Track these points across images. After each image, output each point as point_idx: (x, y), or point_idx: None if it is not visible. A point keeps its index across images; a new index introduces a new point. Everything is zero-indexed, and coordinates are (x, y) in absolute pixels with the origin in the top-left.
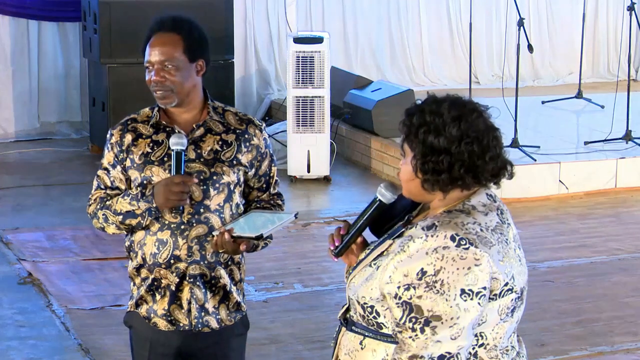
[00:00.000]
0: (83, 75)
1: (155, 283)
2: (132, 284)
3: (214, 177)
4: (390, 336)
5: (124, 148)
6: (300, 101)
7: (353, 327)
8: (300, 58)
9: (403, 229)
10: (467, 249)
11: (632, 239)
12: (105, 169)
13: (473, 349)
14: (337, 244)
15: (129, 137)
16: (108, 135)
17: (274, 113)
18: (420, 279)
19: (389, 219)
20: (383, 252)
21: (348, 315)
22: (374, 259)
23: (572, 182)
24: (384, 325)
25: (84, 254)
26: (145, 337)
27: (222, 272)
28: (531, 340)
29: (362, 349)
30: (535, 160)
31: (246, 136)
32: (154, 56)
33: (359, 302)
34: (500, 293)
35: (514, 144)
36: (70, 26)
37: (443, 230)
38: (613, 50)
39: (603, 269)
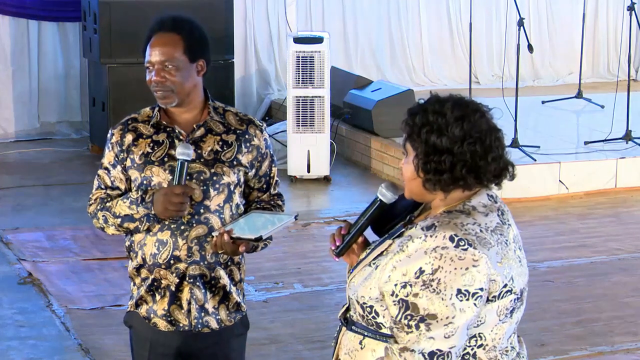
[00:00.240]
0: (83, 75)
1: (155, 283)
2: (132, 284)
3: (214, 178)
4: (390, 336)
5: (124, 148)
6: (300, 101)
7: (353, 327)
8: (300, 58)
9: (403, 229)
10: (465, 249)
11: (632, 239)
12: (106, 168)
13: (472, 349)
14: (338, 244)
15: (129, 137)
16: (109, 135)
17: (274, 113)
18: (417, 278)
19: (390, 219)
20: (383, 251)
21: (348, 315)
22: (374, 259)
23: (572, 182)
24: (383, 325)
25: (84, 254)
26: (145, 337)
27: (222, 273)
28: (531, 340)
29: (361, 348)
30: (535, 160)
31: (247, 137)
32: (155, 56)
33: (358, 302)
34: (499, 295)
35: (514, 144)
36: (70, 26)
37: (442, 230)
38: (613, 50)
39: (603, 269)
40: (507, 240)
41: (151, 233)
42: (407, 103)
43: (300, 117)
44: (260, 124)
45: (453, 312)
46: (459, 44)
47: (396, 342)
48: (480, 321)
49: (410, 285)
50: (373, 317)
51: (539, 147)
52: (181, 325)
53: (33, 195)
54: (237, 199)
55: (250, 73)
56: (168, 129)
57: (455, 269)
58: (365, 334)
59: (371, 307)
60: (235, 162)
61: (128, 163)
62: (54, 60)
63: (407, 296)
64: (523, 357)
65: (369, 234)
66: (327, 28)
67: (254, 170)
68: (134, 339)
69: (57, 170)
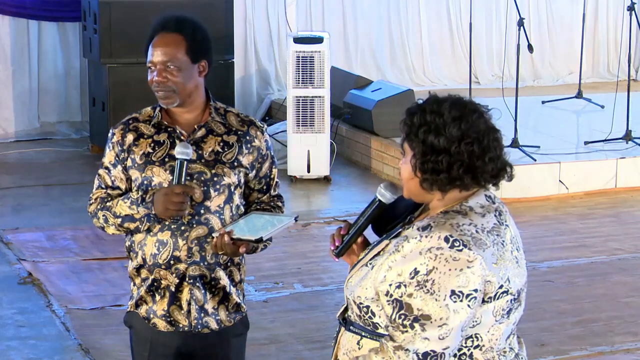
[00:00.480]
0: (83, 75)
1: (155, 284)
2: (132, 284)
3: (215, 179)
4: (387, 336)
5: (125, 148)
6: (300, 101)
7: (351, 327)
8: (300, 58)
9: (400, 229)
10: (460, 250)
11: (632, 239)
12: (107, 168)
13: (468, 350)
14: (337, 244)
15: (130, 137)
16: (109, 135)
17: (274, 113)
18: (412, 278)
19: (391, 219)
20: (380, 252)
21: (346, 315)
22: (371, 259)
23: (572, 182)
24: (380, 325)
25: (84, 254)
26: (145, 338)
27: (222, 274)
28: (531, 340)
29: (359, 348)
30: (535, 160)
31: (247, 138)
32: (157, 56)
33: (355, 302)
34: (495, 296)
35: (514, 144)
36: (70, 26)
37: (438, 231)
38: (613, 50)
39: (603, 269)
40: (503, 241)
41: (151, 233)
42: (407, 103)
43: (300, 117)
44: (261, 125)
45: (447, 313)
46: (459, 44)
47: (392, 339)
48: (476, 322)
49: (405, 286)
50: (370, 318)
51: (539, 147)
52: (181, 325)
53: (33, 195)
54: (237, 200)
55: (250, 73)
56: (169, 129)
57: (450, 270)
58: (363, 334)
59: (367, 307)
60: (236, 163)
61: (129, 163)
62: (54, 60)
63: (401, 296)
64: (522, 358)
65: (370, 234)
66: (327, 28)
67: (254, 172)
68: (134, 339)
69: (57, 170)
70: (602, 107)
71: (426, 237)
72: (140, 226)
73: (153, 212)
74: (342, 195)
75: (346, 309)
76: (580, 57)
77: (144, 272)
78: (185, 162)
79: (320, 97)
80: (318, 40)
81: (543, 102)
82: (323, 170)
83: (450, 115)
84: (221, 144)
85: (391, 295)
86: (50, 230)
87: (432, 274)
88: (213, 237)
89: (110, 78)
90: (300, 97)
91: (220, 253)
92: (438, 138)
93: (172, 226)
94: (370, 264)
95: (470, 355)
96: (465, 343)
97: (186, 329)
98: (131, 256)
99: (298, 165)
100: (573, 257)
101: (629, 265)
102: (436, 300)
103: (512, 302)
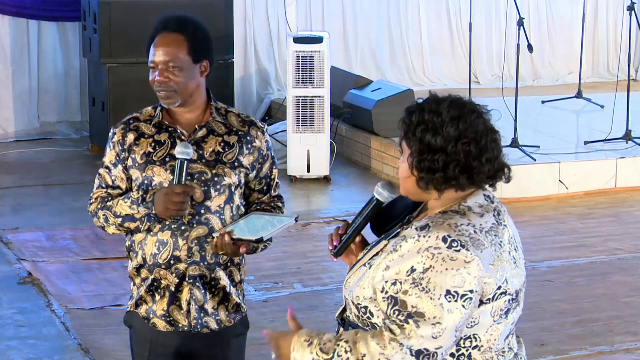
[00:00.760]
0: (83, 75)
1: (155, 284)
2: (132, 284)
3: (216, 179)
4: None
5: (126, 147)
6: (300, 101)
7: (350, 328)
8: (300, 58)
9: (399, 230)
10: (458, 251)
11: (632, 239)
12: (107, 167)
13: (467, 350)
14: (336, 244)
15: (131, 137)
16: (110, 134)
17: (274, 113)
18: (408, 276)
19: (390, 220)
20: (378, 252)
21: (345, 316)
22: (369, 259)
23: (572, 182)
24: (378, 326)
25: (84, 254)
26: (145, 338)
27: (222, 274)
28: (531, 340)
29: None
30: (535, 160)
31: (248, 138)
32: (159, 56)
33: (353, 303)
34: (494, 297)
35: (514, 144)
36: (70, 26)
37: (436, 231)
38: (613, 50)
39: (603, 269)
40: (501, 242)
41: (152, 233)
42: (407, 103)
43: (300, 117)
44: (262, 126)
45: (441, 313)
46: (459, 44)
47: (390, 331)
48: (475, 322)
49: (401, 283)
50: (368, 318)
51: (539, 147)
52: (180, 325)
53: (33, 195)
54: (238, 200)
55: (250, 73)
56: (170, 129)
57: (447, 269)
58: None
59: (366, 307)
60: (236, 164)
61: (129, 163)
62: (54, 60)
63: (396, 293)
64: (522, 358)
65: (370, 234)
66: (327, 28)
67: (255, 172)
68: (134, 339)
69: (57, 170)
70: (602, 107)
71: (424, 237)
72: (140, 226)
73: (154, 212)
74: (342, 195)
75: (345, 310)
76: (580, 57)
77: (144, 272)
78: (186, 162)
79: (320, 97)
80: (318, 40)
81: (543, 102)
82: (323, 170)
83: (448, 115)
84: (222, 144)
85: (386, 292)
86: (50, 230)
87: (428, 273)
88: (213, 237)
89: (110, 78)
90: (300, 97)
91: (220, 253)
92: (435, 137)
93: (173, 226)
94: (368, 264)
95: (469, 356)
96: (464, 344)
97: (186, 329)
98: (131, 256)
99: (298, 165)
100: (573, 257)
101: (629, 265)
102: (431, 299)
103: (511, 302)
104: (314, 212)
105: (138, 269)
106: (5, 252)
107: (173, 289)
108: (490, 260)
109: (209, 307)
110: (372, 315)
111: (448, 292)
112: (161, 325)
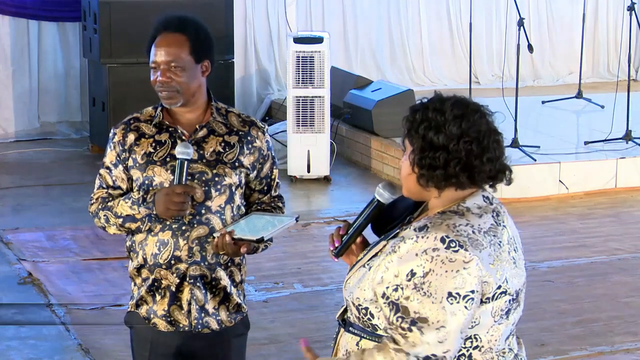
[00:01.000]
0: (83, 75)
1: (156, 284)
2: (132, 284)
3: (216, 179)
4: (389, 337)
5: (126, 147)
6: (300, 101)
7: (350, 328)
8: (300, 58)
9: (398, 230)
10: (456, 251)
11: (632, 239)
12: (108, 167)
13: (467, 351)
14: (336, 244)
15: (131, 137)
16: (111, 134)
17: (274, 113)
18: (409, 280)
19: (390, 220)
20: (377, 252)
21: (346, 316)
22: (369, 260)
23: (572, 182)
24: (379, 327)
25: (84, 254)
26: (145, 338)
27: (223, 274)
28: (531, 340)
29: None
30: (535, 160)
31: (249, 138)
32: (160, 56)
33: (354, 304)
34: (493, 296)
35: (514, 144)
36: (70, 26)
37: (434, 231)
38: (613, 50)
39: (603, 269)
40: (500, 242)
41: (152, 233)
42: (407, 103)
43: (300, 117)
44: (262, 126)
45: (444, 316)
46: (459, 44)
47: (394, 341)
48: (475, 323)
49: (402, 288)
50: (368, 319)
51: (539, 147)
52: (181, 325)
53: (33, 195)
54: (238, 200)
55: (250, 73)
56: (170, 129)
57: (446, 271)
58: (363, 335)
59: (366, 308)
60: (237, 164)
61: (130, 163)
62: (54, 60)
63: (398, 299)
64: (521, 358)
65: (370, 235)
66: (327, 28)
67: (255, 172)
68: (135, 339)
69: (57, 170)
70: (602, 107)
71: (422, 237)
72: (141, 226)
73: (154, 212)
74: (342, 195)
75: (345, 310)
76: (580, 57)
77: (144, 272)
78: (186, 162)
79: (320, 97)
80: (318, 40)
81: (543, 102)
82: (323, 170)
83: (452, 113)
84: (222, 144)
85: (388, 298)
86: (50, 230)
87: (428, 276)
88: (214, 237)
89: (110, 78)
90: (300, 97)
91: (221, 253)
92: (438, 135)
93: (173, 226)
94: (367, 264)
95: (470, 356)
96: (464, 344)
97: (186, 329)
98: (132, 256)
99: (298, 165)
100: (573, 257)
101: (629, 265)
102: (433, 302)
103: (511, 302)
104: (314, 212)
105: (138, 269)
106: (5, 252)
107: (173, 289)
108: (489, 259)
109: (209, 307)
110: (373, 317)
111: (449, 294)
112: (162, 325)
